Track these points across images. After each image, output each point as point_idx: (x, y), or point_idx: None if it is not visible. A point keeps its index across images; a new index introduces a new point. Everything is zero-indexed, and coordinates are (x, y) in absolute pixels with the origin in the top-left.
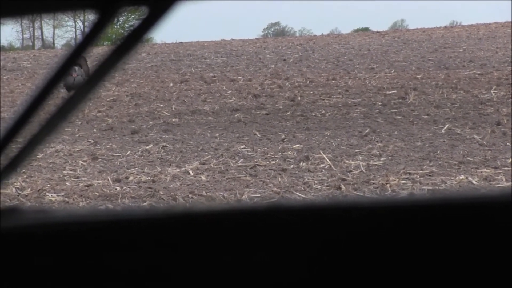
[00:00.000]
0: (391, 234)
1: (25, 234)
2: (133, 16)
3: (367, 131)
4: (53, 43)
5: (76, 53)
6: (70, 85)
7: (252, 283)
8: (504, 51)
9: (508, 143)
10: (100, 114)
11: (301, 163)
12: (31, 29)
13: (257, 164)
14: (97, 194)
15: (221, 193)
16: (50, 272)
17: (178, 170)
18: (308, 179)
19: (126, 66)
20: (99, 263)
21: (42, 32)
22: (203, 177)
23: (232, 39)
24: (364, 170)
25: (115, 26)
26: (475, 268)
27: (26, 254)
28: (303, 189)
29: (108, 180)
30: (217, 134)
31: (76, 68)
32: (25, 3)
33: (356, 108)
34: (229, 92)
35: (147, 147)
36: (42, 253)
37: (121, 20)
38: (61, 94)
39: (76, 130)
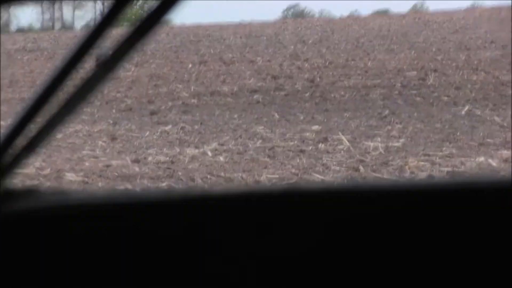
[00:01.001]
0: (409, 218)
1: (44, 216)
2: None
3: (386, 112)
4: (73, 24)
5: (96, 34)
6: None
7: (270, 264)
8: None
9: None
10: (119, 95)
11: (320, 144)
12: (51, 10)
13: (276, 146)
14: (116, 174)
15: (240, 174)
16: (68, 253)
17: (196, 151)
18: (326, 160)
19: (145, 47)
20: (118, 244)
21: (62, 13)
22: (221, 158)
23: (252, 21)
24: (383, 152)
25: (134, 7)
26: (494, 248)
27: (45, 235)
28: (321, 170)
29: (127, 160)
30: (235, 115)
31: None
32: None
33: (376, 90)
34: (248, 73)
35: (165, 128)
36: (61, 234)
37: (140, 1)
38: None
39: (95, 110)
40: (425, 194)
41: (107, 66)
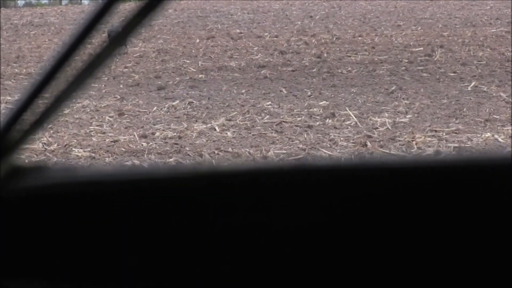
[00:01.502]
0: (416, 193)
1: (52, 192)
2: None
3: (393, 88)
4: None
5: (104, 9)
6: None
7: (277, 240)
8: None
9: None
10: (126, 70)
11: (327, 120)
12: None
13: (283, 121)
14: (123, 149)
15: (247, 150)
16: (76, 229)
17: (204, 126)
18: (334, 136)
19: (153, 22)
20: (125, 220)
21: None
22: (229, 134)
23: None
24: (390, 127)
25: None
26: (501, 223)
27: (52, 212)
28: (329, 146)
29: (135, 136)
30: (243, 91)
31: None
32: None
33: (383, 65)
34: (256, 48)
35: (173, 103)
36: (69, 211)
37: None
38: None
39: (103, 86)
40: (432, 170)
41: (117, 41)
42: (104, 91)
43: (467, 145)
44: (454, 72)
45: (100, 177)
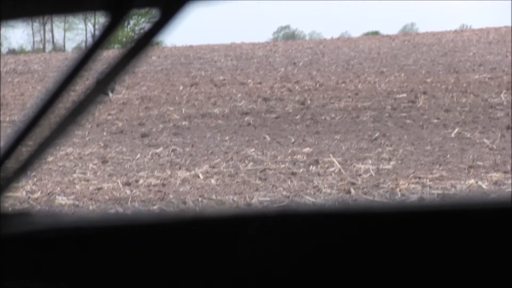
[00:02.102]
0: (400, 240)
1: (36, 239)
2: (143, 19)
3: (376, 134)
4: (64, 46)
5: (87, 56)
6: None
7: (261, 285)
8: None
9: None
10: (110, 117)
11: (311, 166)
12: (41, 32)
13: (267, 168)
14: (107, 197)
15: (231, 197)
16: (60, 276)
17: (188, 173)
18: (317, 182)
19: (136, 69)
20: (109, 266)
21: (53, 35)
22: (212, 181)
23: (242, 43)
24: (373, 174)
25: (126, 29)
26: (485, 272)
27: (37, 258)
28: (312, 193)
29: (118, 183)
30: (227, 138)
31: None
32: (36, 6)
33: (366, 112)
34: (239, 95)
35: (157, 151)
36: (53, 257)
37: (131, 23)
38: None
39: (86, 133)
40: (416, 216)
41: (100, 88)
42: (87, 138)
43: (450, 192)
44: (437, 119)
45: (83, 223)
